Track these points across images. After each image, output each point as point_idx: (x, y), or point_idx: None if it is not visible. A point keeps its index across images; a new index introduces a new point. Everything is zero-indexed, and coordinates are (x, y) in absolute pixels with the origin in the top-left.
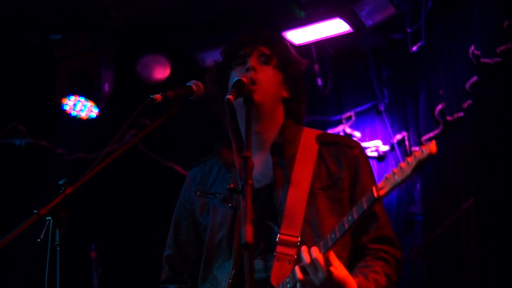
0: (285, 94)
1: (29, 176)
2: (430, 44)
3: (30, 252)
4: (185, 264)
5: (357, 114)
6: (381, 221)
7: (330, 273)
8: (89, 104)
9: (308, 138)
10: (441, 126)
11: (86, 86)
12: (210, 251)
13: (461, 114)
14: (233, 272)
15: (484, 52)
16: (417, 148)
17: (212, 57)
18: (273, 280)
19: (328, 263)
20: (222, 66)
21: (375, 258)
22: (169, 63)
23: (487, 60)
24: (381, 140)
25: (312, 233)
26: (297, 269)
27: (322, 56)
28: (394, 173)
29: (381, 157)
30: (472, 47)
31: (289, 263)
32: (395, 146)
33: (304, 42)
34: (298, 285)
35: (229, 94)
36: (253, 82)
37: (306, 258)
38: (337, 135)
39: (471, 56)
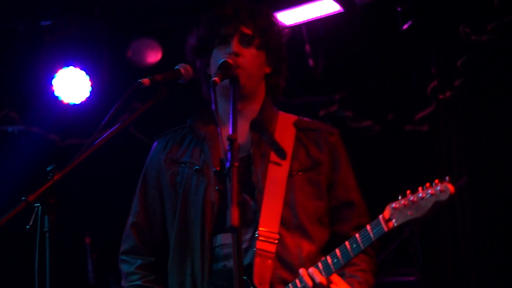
0: (267, 70)
1: (21, 163)
2: (421, 23)
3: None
4: (151, 235)
5: (349, 95)
6: (360, 209)
7: None
8: (81, 88)
9: (285, 121)
10: (433, 105)
11: (78, 71)
12: (182, 226)
13: (453, 92)
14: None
15: (475, 30)
16: (428, 185)
17: None
18: (256, 279)
19: (329, 282)
20: (204, 40)
21: None
22: (160, 47)
23: (477, 38)
24: (373, 120)
25: (291, 222)
26: None
27: (313, 36)
28: (405, 207)
29: (373, 137)
30: (463, 25)
31: (270, 260)
32: (387, 125)
33: (295, 23)
34: None
35: (215, 76)
36: (237, 66)
37: (308, 281)
38: (315, 121)
39: (461, 34)
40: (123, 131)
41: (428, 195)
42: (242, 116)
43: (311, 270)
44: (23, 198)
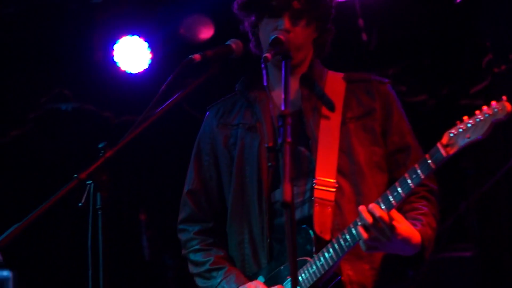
0: (315, 35)
1: (75, 140)
2: None
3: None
4: (208, 201)
5: (403, 69)
6: (417, 153)
7: (394, 228)
8: (141, 59)
9: (334, 77)
10: (488, 78)
11: (141, 41)
12: (238, 186)
13: (508, 65)
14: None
15: None
16: (485, 108)
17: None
18: (317, 228)
19: (391, 219)
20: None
21: (418, 198)
22: (212, 23)
23: None
24: (428, 94)
25: (348, 169)
26: (360, 229)
27: (366, 11)
28: (463, 131)
29: (427, 112)
30: None
31: (330, 208)
32: (442, 100)
33: None
34: (361, 242)
35: (267, 52)
36: (288, 42)
37: (367, 217)
38: (365, 73)
39: None
40: (176, 107)
41: (486, 115)
42: (291, 73)
43: (371, 205)
44: (75, 175)
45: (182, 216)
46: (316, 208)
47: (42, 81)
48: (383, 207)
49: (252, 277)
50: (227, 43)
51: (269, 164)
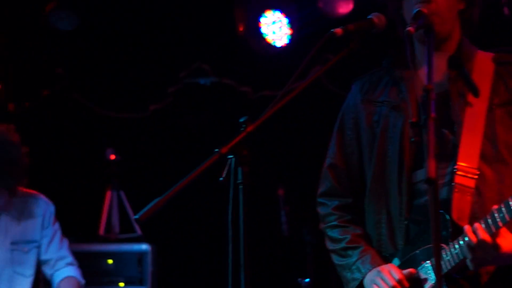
0: (461, 6)
1: (213, 114)
2: None
3: (212, 192)
4: (348, 177)
5: None
6: None
7: (498, 247)
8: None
9: (483, 58)
10: None
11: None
12: (379, 164)
13: None
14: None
15: None
16: None
17: None
18: (454, 214)
19: (494, 238)
20: None
21: None
22: None
23: None
24: None
25: (492, 157)
26: (466, 248)
27: None
28: None
29: None
30: None
31: (469, 195)
32: None
33: None
34: (468, 261)
35: (410, 26)
36: (431, 14)
37: (472, 238)
38: None
39: None
40: (315, 83)
41: None
42: (439, 53)
43: (475, 225)
44: (216, 150)
45: (321, 190)
46: (456, 194)
47: (182, 55)
48: (489, 226)
49: (388, 258)
50: (369, 17)
51: (412, 139)
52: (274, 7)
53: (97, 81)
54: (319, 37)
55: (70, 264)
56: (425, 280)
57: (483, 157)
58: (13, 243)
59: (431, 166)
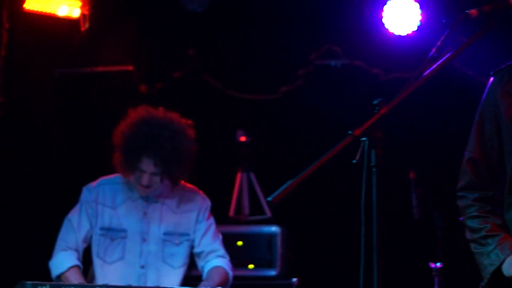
0: None
1: (344, 96)
2: None
3: (345, 174)
4: (487, 170)
5: None
6: None
7: None
8: (410, 20)
9: None
10: None
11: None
12: None
13: None
14: None
15: None
16: None
17: None
18: None
19: None
20: None
21: None
22: None
23: None
24: None
25: None
26: None
27: None
28: None
29: None
30: None
31: None
32: None
33: None
34: None
35: None
36: None
37: None
38: None
39: None
40: (448, 66)
41: None
42: None
43: None
44: (350, 132)
45: (461, 184)
46: None
47: (312, 37)
48: None
49: None
50: None
51: None
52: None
53: (228, 63)
54: (452, 20)
55: (221, 256)
56: None
57: None
58: (166, 233)
59: None
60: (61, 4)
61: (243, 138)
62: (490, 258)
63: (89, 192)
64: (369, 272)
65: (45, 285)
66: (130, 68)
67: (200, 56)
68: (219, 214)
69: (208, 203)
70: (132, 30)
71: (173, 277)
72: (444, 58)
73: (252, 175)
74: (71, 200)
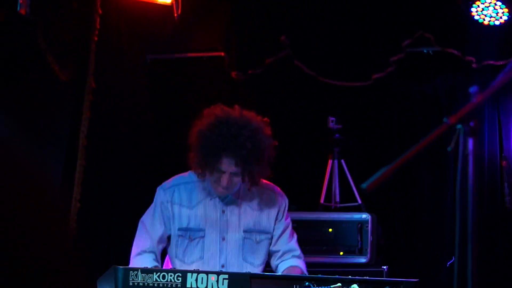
0: None
1: (437, 84)
2: None
3: (439, 161)
4: None
5: None
6: None
7: None
8: (499, 9)
9: None
10: None
11: None
12: None
13: None
14: None
15: None
16: None
17: None
18: None
19: None
20: None
21: None
22: None
23: None
24: None
25: None
26: None
27: None
28: None
29: None
30: None
31: None
32: None
33: None
34: None
35: None
36: None
37: None
38: None
39: None
40: None
41: None
42: None
43: None
44: (445, 119)
45: None
46: None
47: (405, 24)
48: None
49: None
50: None
51: None
52: None
53: (320, 49)
54: None
55: (297, 257)
56: None
57: None
58: (246, 231)
59: None
60: None
61: (334, 125)
62: None
63: (164, 192)
64: (463, 261)
65: (137, 270)
66: (222, 54)
67: (292, 42)
68: (310, 201)
69: (287, 201)
70: (224, 16)
71: None
72: None
73: (343, 162)
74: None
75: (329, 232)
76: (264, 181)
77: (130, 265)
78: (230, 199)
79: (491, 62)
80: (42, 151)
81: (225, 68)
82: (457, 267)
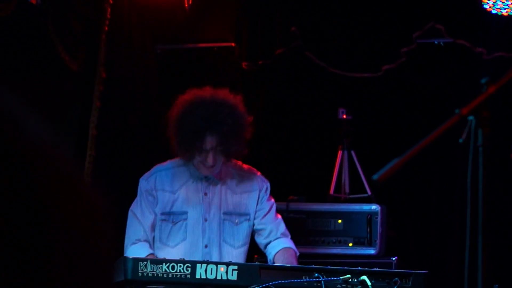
0: None
1: (447, 75)
2: None
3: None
4: None
5: None
6: None
7: None
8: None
9: None
10: None
11: None
12: None
13: None
14: None
15: None
16: None
17: None
18: None
19: None
20: None
21: None
22: None
23: None
24: None
25: None
26: None
27: None
28: None
29: None
30: None
31: None
32: None
33: None
34: None
35: None
36: None
37: None
38: None
39: None
40: None
41: None
42: None
43: None
44: (456, 110)
45: None
46: None
47: (415, 15)
48: None
49: None
50: None
51: None
52: None
53: (330, 40)
54: None
55: (284, 235)
56: None
57: None
58: (225, 213)
59: None
60: None
61: (344, 116)
62: None
63: (146, 181)
64: (474, 253)
65: (146, 260)
66: (232, 44)
67: (302, 33)
68: (320, 192)
69: (268, 184)
70: (235, 6)
71: (235, 256)
72: None
73: (353, 153)
74: None
75: (339, 223)
76: (246, 166)
77: (125, 255)
78: (212, 181)
79: (503, 53)
80: (51, 141)
81: (235, 58)
82: (468, 259)
